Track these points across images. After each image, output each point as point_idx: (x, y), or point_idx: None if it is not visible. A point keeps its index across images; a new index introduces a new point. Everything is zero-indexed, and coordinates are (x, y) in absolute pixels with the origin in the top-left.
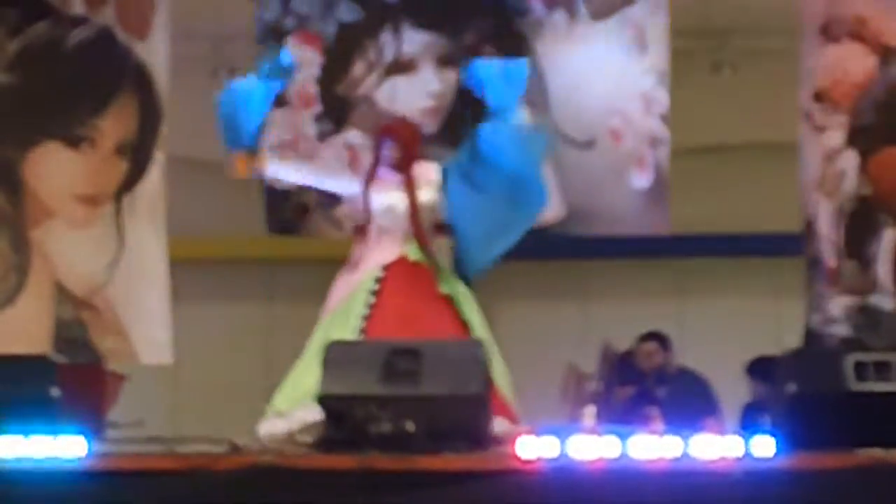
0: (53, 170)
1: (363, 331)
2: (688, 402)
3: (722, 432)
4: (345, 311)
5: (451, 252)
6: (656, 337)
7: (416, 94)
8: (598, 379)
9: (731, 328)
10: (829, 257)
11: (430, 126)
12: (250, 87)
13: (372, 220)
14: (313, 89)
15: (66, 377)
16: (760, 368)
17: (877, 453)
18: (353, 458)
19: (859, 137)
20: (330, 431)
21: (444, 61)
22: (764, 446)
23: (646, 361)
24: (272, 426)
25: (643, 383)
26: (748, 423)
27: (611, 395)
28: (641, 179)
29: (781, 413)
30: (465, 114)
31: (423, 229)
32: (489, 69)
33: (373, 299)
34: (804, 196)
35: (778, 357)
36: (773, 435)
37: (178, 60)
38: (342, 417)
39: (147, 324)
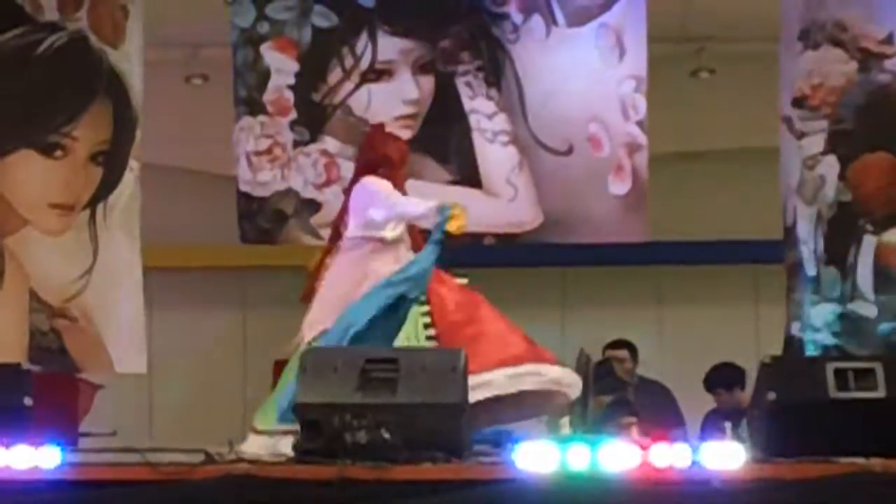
0: (27, 178)
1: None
2: (655, 412)
3: (691, 441)
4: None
5: None
6: (625, 344)
7: (393, 101)
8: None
9: (711, 335)
10: (809, 264)
11: (407, 133)
12: None
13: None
14: (289, 96)
15: (39, 387)
16: (720, 377)
17: (857, 462)
18: (330, 467)
19: (839, 143)
20: (306, 440)
21: (422, 68)
22: (741, 455)
23: (619, 369)
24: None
25: (621, 392)
26: (709, 431)
27: (587, 403)
28: (619, 186)
29: (761, 421)
30: (442, 121)
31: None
32: None
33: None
34: (784, 202)
35: (735, 365)
36: (748, 443)
37: (152, 67)
38: (318, 426)
39: (122, 333)
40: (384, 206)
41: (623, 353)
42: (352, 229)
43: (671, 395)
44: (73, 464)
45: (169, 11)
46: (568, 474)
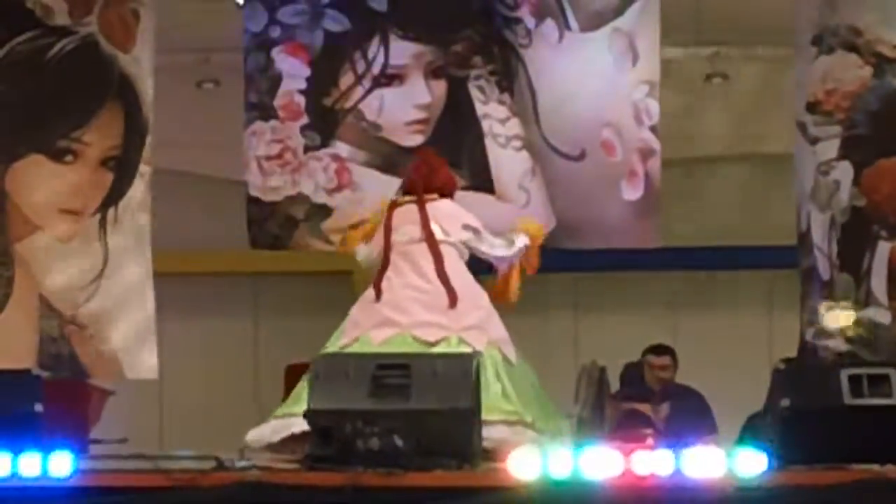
0: (37, 183)
1: None
2: (690, 419)
3: (720, 448)
4: None
5: None
6: (667, 350)
7: (405, 105)
8: (579, 400)
9: (724, 342)
10: (823, 270)
11: (418, 138)
12: None
13: None
14: (300, 101)
15: (50, 393)
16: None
17: (872, 468)
18: (341, 474)
19: (853, 149)
20: (318, 447)
21: (434, 72)
22: (757, 462)
23: (658, 375)
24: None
25: (645, 400)
26: (748, 436)
27: (596, 414)
28: (632, 191)
29: (775, 428)
30: (454, 125)
31: None
32: None
33: None
34: (798, 208)
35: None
36: (767, 449)
37: (163, 72)
38: (330, 432)
39: (132, 338)
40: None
41: (665, 359)
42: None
43: (705, 401)
44: (85, 471)
45: (180, 16)
46: (583, 481)
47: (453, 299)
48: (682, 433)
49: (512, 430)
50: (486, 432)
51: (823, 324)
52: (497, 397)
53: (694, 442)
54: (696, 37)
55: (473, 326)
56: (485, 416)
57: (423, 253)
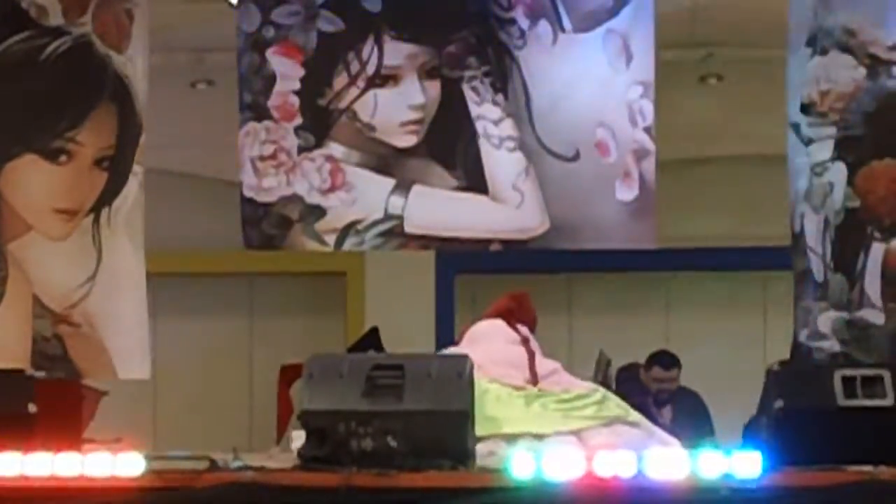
0: (31, 183)
1: None
2: (692, 420)
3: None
4: None
5: None
6: (675, 363)
7: (399, 106)
8: None
9: (718, 342)
10: (817, 271)
11: (412, 139)
12: None
13: None
14: (294, 101)
15: (43, 393)
16: None
17: (865, 470)
18: (335, 474)
19: (847, 150)
20: (312, 448)
21: (428, 73)
22: (751, 463)
23: (662, 386)
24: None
25: (643, 400)
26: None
27: None
28: (627, 192)
29: (769, 429)
30: (448, 126)
31: None
32: None
33: None
34: (792, 209)
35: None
36: (760, 451)
37: (158, 72)
38: (324, 433)
39: (125, 339)
40: None
41: (674, 373)
42: None
43: (703, 402)
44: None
45: (174, 16)
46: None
47: (534, 380)
48: (685, 434)
49: (611, 430)
50: (588, 439)
51: (817, 325)
52: (586, 407)
53: (699, 443)
54: (690, 38)
55: (553, 383)
56: (576, 425)
57: (503, 331)
